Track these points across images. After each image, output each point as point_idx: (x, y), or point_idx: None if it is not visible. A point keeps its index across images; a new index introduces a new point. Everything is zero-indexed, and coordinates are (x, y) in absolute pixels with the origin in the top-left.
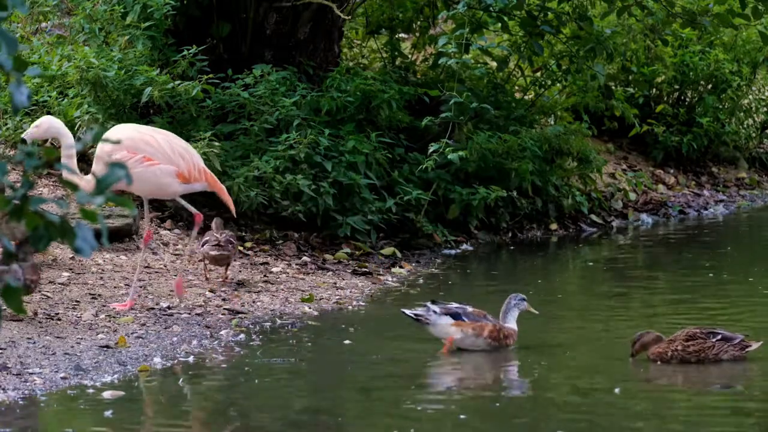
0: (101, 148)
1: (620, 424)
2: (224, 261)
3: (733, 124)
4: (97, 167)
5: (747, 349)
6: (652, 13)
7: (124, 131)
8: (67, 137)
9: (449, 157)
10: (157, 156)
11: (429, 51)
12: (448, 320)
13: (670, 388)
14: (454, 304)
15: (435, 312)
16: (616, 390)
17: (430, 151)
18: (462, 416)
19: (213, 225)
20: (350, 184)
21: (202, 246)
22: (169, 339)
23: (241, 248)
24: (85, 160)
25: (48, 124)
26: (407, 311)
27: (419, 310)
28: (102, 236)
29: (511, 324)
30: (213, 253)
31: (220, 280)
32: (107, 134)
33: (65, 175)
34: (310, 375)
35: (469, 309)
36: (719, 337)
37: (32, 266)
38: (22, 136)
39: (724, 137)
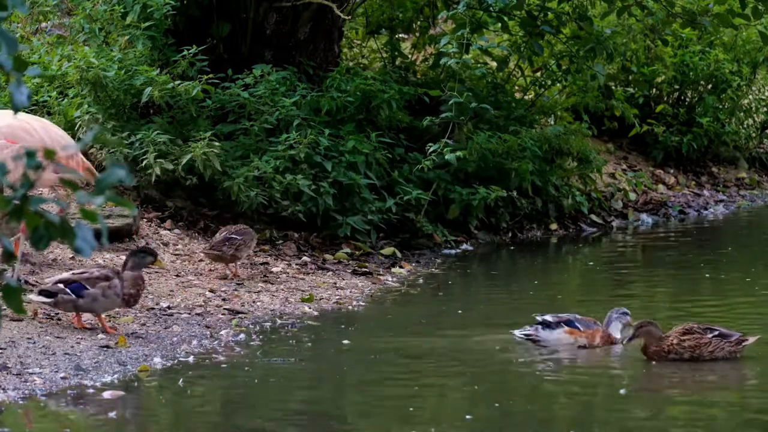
0: None
1: (626, 427)
2: (219, 260)
3: (733, 124)
4: None
5: (744, 343)
6: (652, 13)
7: (1, 119)
8: None
9: (447, 157)
10: (35, 145)
11: (429, 51)
12: (563, 328)
13: (675, 390)
14: (565, 315)
15: (548, 325)
16: (621, 391)
17: (429, 151)
18: (467, 417)
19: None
20: (350, 184)
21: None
22: (169, 339)
23: None
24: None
25: None
26: (516, 333)
27: (528, 329)
28: (102, 236)
29: (615, 333)
30: (206, 252)
31: (230, 276)
32: None
33: None
34: (310, 375)
35: (578, 316)
36: (716, 333)
37: (135, 279)
38: None
39: (724, 137)
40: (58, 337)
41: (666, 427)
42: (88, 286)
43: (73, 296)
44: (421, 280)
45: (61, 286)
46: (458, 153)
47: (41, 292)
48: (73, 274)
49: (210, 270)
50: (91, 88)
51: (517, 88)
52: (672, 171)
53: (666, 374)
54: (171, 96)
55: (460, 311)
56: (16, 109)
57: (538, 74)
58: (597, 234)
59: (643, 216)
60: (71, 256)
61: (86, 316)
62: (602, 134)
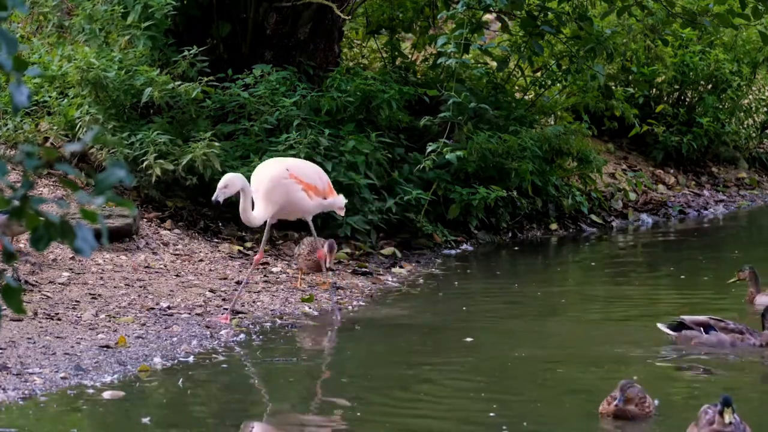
0: None
1: None
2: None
3: (733, 124)
4: None
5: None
6: (652, 13)
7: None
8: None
9: (447, 157)
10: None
11: (429, 51)
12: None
13: (677, 395)
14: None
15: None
16: None
17: (428, 150)
18: (490, 414)
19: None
20: (350, 184)
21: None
22: (169, 339)
23: (240, 248)
24: (85, 160)
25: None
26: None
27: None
28: (102, 236)
29: None
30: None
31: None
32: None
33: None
34: (310, 375)
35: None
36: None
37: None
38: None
39: (724, 137)
40: (58, 337)
41: None
42: (717, 329)
43: (701, 332)
44: (421, 280)
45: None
46: (458, 153)
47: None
48: (710, 318)
49: (210, 270)
50: (92, 89)
51: (517, 88)
52: (672, 171)
53: (670, 379)
54: (171, 96)
55: (464, 308)
56: (16, 109)
57: (538, 74)
58: (597, 234)
59: (643, 216)
60: (71, 256)
61: (87, 315)
62: (602, 134)
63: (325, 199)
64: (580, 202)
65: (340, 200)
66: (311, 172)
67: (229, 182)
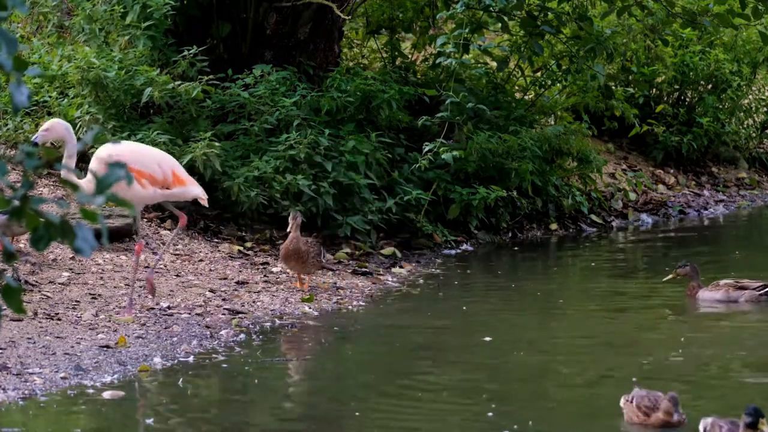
0: None
1: None
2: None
3: (733, 124)
4: None
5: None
6: (652, 13)
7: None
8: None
9: (443, 157)
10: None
11: (429, 51)
12: None
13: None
14: None
15: None
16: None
17: (425, 150)
18: (488, 414)
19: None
20: (350, 184)
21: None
22: (169, 339)
23: (240, 248)
24: (85, 160)
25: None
26: None
27: None
28: (102, 236)
29: None
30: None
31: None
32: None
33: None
34: (310, 375)
35: None
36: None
37: None
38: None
39: (724, 137)
40: (58, 337)
41: None
42: None
43: None
44: (421, 280)
45: None
46: (455, 153)
47: None
48: None
49: (210, 270)
50: (92, 89)
51: (517, 88)
52: (672, 171)
53: (671, 381)
54: (171, 96)
55: (464, 308)
56: (16, 109)
57: (538, 74)
58: (597, 234)
59: (643, 216)
60: (71, 256)
61: (87, 315)
62: (602, 134)
63: (167, 189)
64: (580, 202)
65: (192, 190)
66: (148, 159)
67: (51, 127)
